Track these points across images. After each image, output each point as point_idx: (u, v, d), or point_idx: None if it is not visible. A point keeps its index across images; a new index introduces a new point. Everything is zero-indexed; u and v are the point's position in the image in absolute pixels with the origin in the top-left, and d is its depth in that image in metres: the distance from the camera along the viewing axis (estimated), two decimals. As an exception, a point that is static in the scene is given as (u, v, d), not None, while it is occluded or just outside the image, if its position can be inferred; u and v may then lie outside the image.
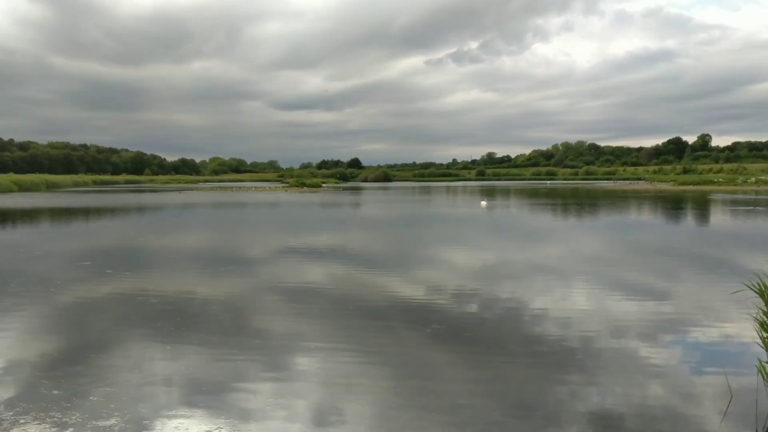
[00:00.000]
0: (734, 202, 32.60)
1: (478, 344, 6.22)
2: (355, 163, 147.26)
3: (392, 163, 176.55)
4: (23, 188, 54.20)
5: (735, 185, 57.30)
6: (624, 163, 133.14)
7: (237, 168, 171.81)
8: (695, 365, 5.54)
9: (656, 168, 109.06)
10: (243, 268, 11.10)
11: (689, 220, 23.39)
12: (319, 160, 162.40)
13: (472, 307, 7.90)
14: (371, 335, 6.60)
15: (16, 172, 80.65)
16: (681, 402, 4.64)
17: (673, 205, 32.37)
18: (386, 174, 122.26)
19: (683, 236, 17.74)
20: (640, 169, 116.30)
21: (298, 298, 8.43)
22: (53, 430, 4.09)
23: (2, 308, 7.83)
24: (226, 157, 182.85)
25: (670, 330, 6.75)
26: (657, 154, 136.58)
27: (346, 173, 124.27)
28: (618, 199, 37.79)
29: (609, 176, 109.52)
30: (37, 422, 4.20)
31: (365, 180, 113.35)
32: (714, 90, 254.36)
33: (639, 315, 7.42)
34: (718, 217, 24.06)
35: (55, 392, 4.77)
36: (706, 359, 5.73)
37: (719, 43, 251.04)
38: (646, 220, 23.29)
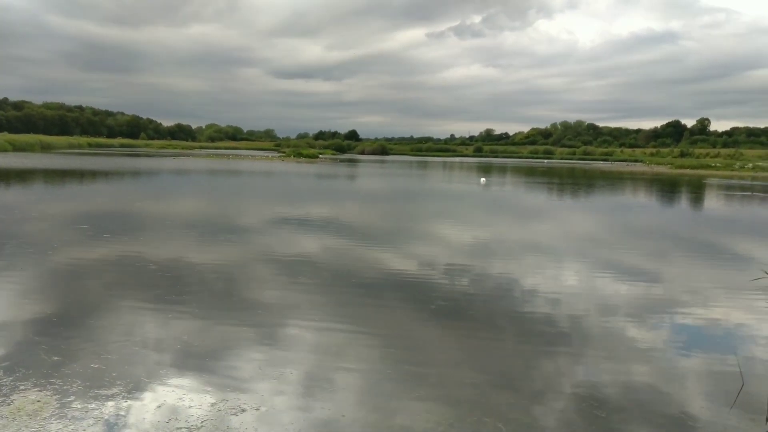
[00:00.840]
0: (730, 187, 32.60)
1: (471, 320, 6.18)
2: (353, 135, 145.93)
3: (390, 136, 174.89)
4: (18, 148, 53.52)
5: (732, 170, 57.22)
6: (622, 145, 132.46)
7: (233, 135, 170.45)
8: (705, 350, 5.50)
9: (654, 150, 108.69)
10: (240, 237, 10.99)
11: (687, 203, 23.36)
12: (316, 131, 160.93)
13: (467, 284, 7.84)
14: (365, 308, 6.53)
15: (10, 131, 79.46)
16: (690, 386, 4.60)
17: (670, 188, 32.33)
18: (383, 147, 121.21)
19: (685, 220, 17.72)
20: (638, 150, 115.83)
21: (294, 270, 8.35)
22: (55, 397, 4.01)
23: (-2, 270, 7.71)
24: (223, 124, 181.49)
25: (682, 315, 6.72)
26: (655, 136, 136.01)
27: (343, 145, 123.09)
28: (615, 180, 37.72)
29: (606, 157, 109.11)
30: (38, 389, 4.12)
31: (362, 152, 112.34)
32: (716, 74, 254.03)
33: (649, 298, 7.38)
34: (717, 202, 24.03)
35: (55, 358, 4.69)
36: (717, 345, 5.68)
37: (724, 26, 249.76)
38: (643, 202, 23.25)
